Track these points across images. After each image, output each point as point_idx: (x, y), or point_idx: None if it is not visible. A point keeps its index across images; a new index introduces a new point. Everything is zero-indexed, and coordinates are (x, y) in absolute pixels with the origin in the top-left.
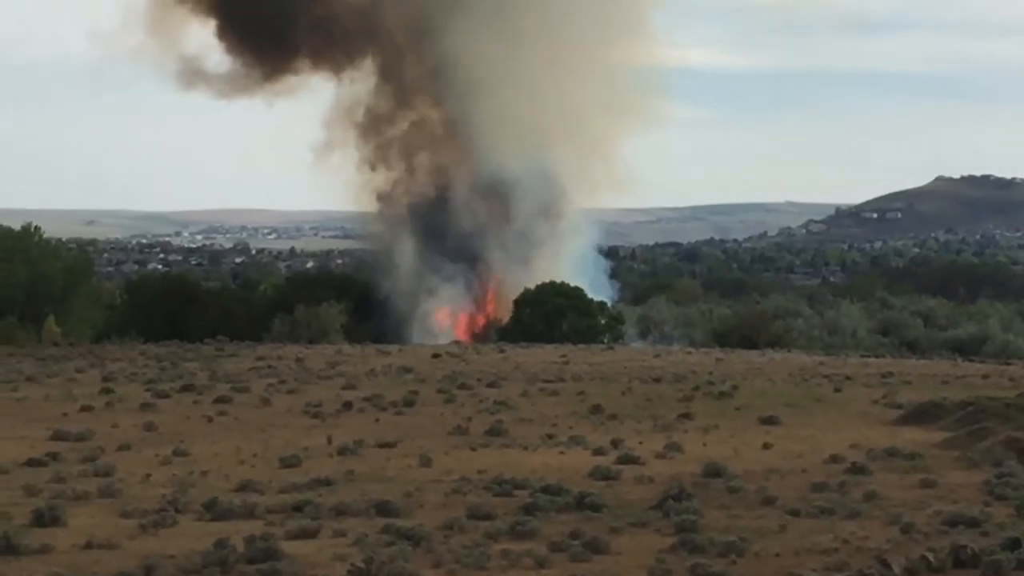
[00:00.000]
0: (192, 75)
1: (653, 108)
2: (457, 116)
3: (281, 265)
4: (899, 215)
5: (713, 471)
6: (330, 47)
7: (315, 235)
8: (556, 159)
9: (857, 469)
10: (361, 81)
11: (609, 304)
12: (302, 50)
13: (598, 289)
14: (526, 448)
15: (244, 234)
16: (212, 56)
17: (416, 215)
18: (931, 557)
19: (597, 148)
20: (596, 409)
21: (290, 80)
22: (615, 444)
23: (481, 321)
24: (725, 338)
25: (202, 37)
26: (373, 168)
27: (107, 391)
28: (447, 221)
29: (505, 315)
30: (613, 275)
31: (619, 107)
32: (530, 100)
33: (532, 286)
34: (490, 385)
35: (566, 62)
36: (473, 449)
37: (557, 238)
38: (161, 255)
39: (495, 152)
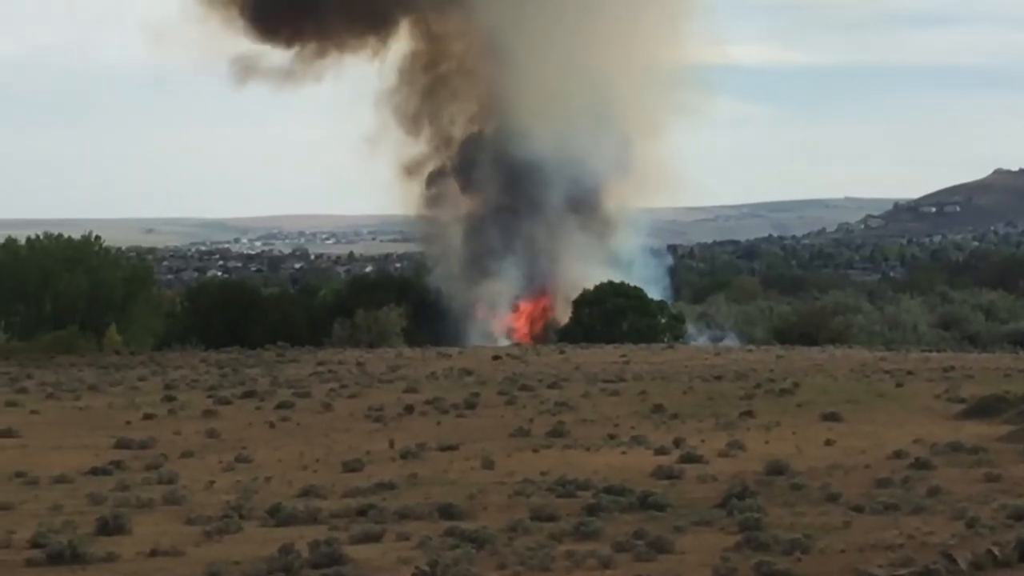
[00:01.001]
0: (245, 70)
1: (693, 101)
2: (493, 92)
3: (340, 270)
4: (958, 208)
5: (776, 468)
6: (362, 20)
7: (373, 239)
8: (591, 147)
9: (920, 464)
10: (393, 64)
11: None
12: (334, 25)
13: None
14: (588, 449)
15: (303, 239)
16: (263, 52)
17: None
18: (997, 551)
19: (638, 138)
20: (657, 408)
21: (326, 60)
22: (677, 443)
23: (538, 322)
24: (785, 335)
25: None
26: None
27: (169, 399)
28: (488, 216)
29: (558, 313)
30: (671, 273)
31: (657, 99)
32: (565, 81)
33: (577, 283)
34: (551, 386)
35: (608, 49)
36: (535, 450)
37: (598, 233)
38: (220, 262)
39: (528, 134)
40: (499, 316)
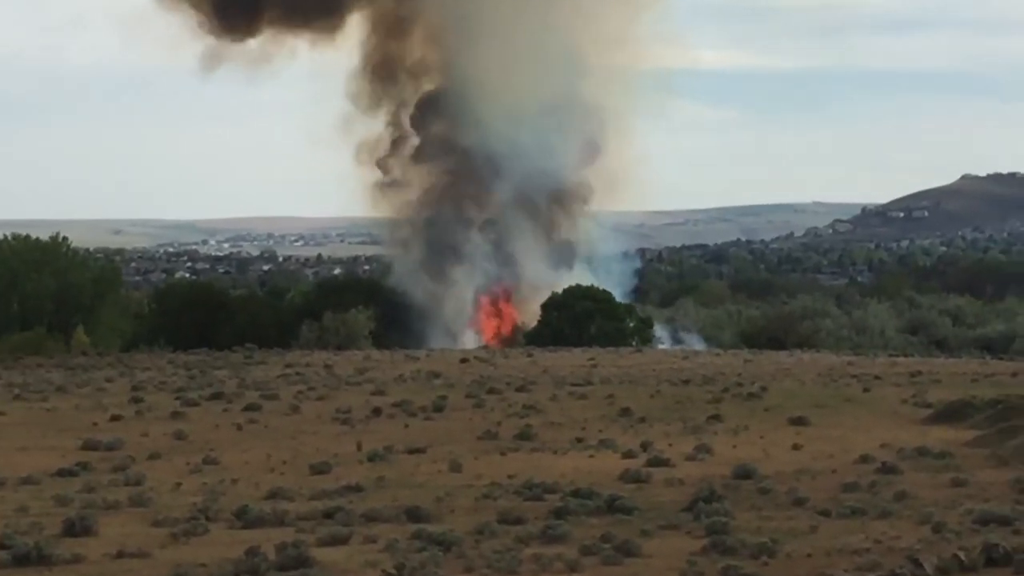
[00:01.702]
0: (212, 60)
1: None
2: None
3: (308, 272)
4: (926, 214)
5: (743, 472)
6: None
7: (342, 241)
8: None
9: (887, 469)
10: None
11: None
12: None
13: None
14: (556, 452)
15: (271, 241)
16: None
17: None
18: (963, 556)
19: (601, 138)
20: (625, 412)
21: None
22: (645, 447)
23: (502, 323)
24: (753, 339)
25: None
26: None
27: (136, 400)
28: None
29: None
30: (638, 275)
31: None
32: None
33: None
34: (519, 389)
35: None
36: (503, 453)
37: (553, 232)
38: (188, 263)
39: (482, 125)
40: (462, 317)
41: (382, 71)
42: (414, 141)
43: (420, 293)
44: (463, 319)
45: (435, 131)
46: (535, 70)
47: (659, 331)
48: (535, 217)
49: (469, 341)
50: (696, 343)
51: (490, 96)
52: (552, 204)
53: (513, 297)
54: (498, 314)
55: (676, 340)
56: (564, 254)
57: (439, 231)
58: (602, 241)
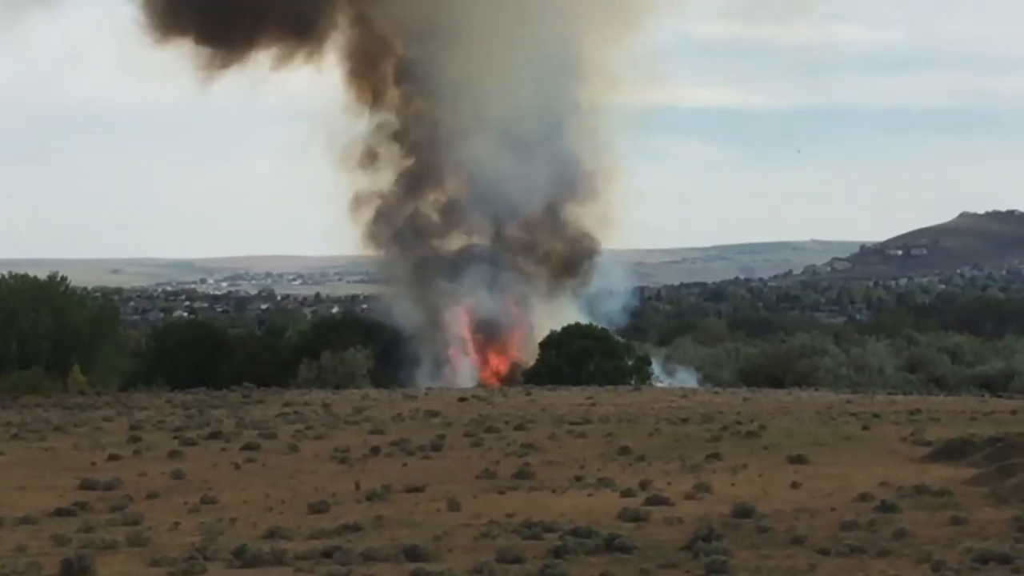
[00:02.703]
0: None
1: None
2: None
3: (306, 311)
4: (924, 251)
5: (742, 511)
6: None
7: (340, 280)
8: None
9: (886, 507)
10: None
11: None
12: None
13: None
14: (554, 491)
15: (269, 280)
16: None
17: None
18: None
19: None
20: (624, 450)
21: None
22: (643, 485)
23: (499, 362)
24: (752, 377)
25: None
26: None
27: (135, 439)
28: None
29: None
30: (635, 314)
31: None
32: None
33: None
34: (517, 428)
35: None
36: (501, 492)
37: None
38: (187, 302)
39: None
40: (458, 356)
41: (364, 97)
42: (402, 167)
43: (411, 328)
44: (456, 354)
45: (422, 159)
46: (524, 100)
47: (656, 368)
48: (527, 251)
49: (464, 378)
50: (689, 379)
51: (477, 125)
52: (545, 237)
53: (510, 335)
54: (496, 352)
55: (668, 374)
56: (557, 289)
57: (427, 265)
58: (598, 278)
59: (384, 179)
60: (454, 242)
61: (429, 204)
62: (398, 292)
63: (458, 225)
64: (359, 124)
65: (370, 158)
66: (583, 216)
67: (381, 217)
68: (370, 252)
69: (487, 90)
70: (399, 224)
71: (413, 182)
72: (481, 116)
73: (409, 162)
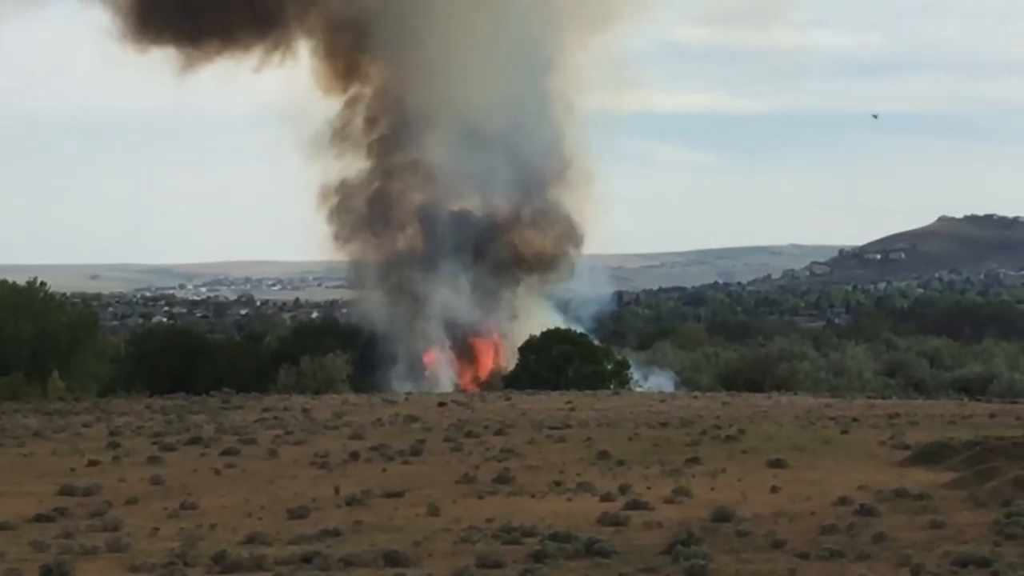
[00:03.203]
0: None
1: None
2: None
3: (286, 316)
4: (903, 256)
5: (722, 515)
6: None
7: (319, 285)
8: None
9: (865, 511)
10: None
11: None
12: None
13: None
14: (534, 495)
15: (248, 286)
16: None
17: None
18: None
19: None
20: (603, 455)
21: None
22: (623, 490)
23: (478, 366)
24: (731, 381)
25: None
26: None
27: (114, 445)
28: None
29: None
30: (613, 319)
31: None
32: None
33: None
34: (497, 433)
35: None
36: (481, 497)
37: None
38: (166, 308)
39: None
40: (433, 360)
41: (333, 86)
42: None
43: (383, 326)
44: (432, 358)
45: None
46: (495, 94)
47: (635, 373)
48: (495, 246)
49: (442, 379)
50: (665, 383)
51: (448, 121)
52: (515, 233)
53: (489, 340)
54: (475, 357)
55: (644, 378)
56: (529, 288)
57: (401, 267)
58: (574, 282)
59: (351, 169)
60: (418, 237)
61: (394, 194)
62: (368, 288)
63: (425, 220)
64: (327, 113)
65: (338, 146)
66: (554, 213)
67: (346, 205)
68: (338, 243)
69: (457, 83)
70: (365, 212)
71: (378, 172)
72: (449, 109)
73: (374, 152)
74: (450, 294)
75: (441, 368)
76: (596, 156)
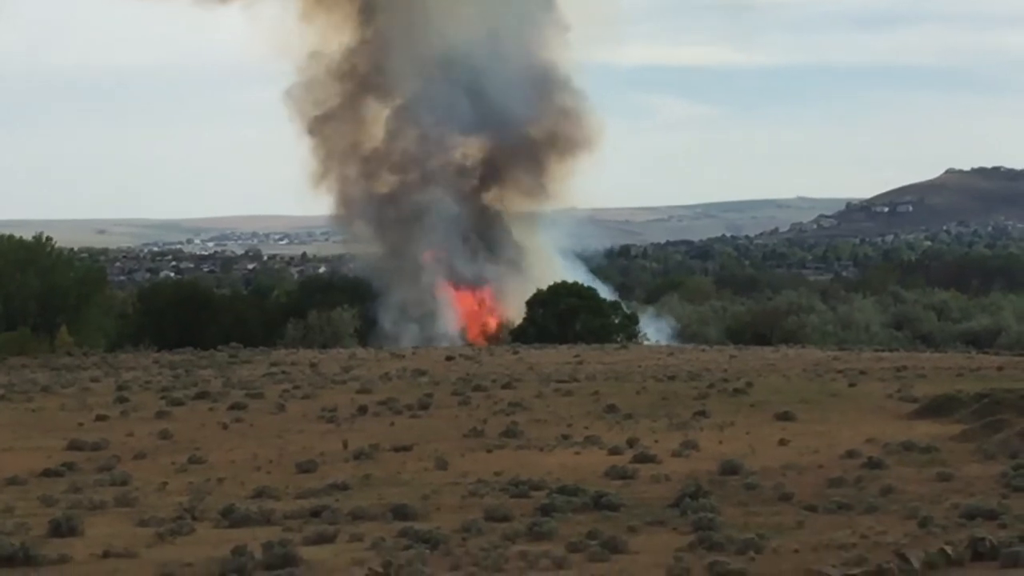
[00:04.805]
0: None
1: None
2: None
3: (293, 270)
4: (910, 208)
5: (729, 468)
6: None
7: (326, 240)
8: None
9: (873, 464)
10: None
11: None
12: None
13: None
14: (542, 449)
15: (255, 240)
16: None
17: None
18: (949, 550)
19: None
20: (611, 408)
21: None
22: (631, 443)
23: (479, 318)
24: (739, 335)
25: None
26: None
27: (122, 400)
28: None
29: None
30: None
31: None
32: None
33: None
34: (504, 387)
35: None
36: (489, 451)
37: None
38: (173, 263)
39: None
40: (428, 303)
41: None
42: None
43: (380, 271)
44: (430, 306)
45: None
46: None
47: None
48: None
49: (447, 328)
50: (658, 327)
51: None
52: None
53: (494, 293)
54: (482, 311)
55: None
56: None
57: (397, 207)
58: (578, 236)
59: (335, 103)
60: (416, 184)
61: (388, 137)
62: (364, 233)
63: (418, 161)
64: (324, 61)
65: (326, 85)
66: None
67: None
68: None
69: (448, 23)
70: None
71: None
72: (437, 47)
73: (366, 94)
74: (441, 236)
75: (446, 313)
76: (592, 103)
